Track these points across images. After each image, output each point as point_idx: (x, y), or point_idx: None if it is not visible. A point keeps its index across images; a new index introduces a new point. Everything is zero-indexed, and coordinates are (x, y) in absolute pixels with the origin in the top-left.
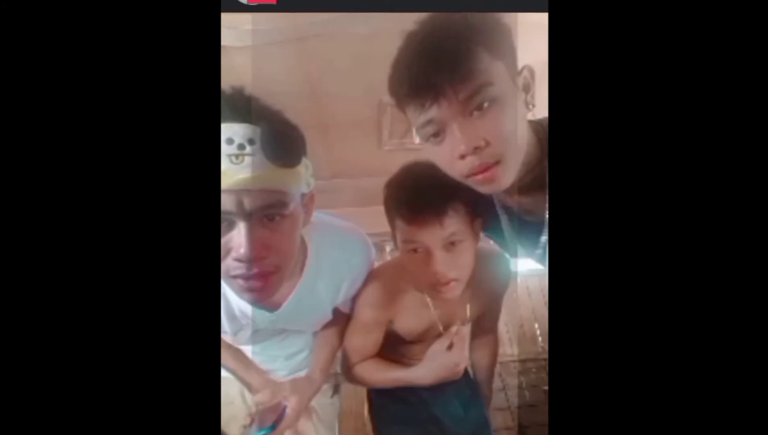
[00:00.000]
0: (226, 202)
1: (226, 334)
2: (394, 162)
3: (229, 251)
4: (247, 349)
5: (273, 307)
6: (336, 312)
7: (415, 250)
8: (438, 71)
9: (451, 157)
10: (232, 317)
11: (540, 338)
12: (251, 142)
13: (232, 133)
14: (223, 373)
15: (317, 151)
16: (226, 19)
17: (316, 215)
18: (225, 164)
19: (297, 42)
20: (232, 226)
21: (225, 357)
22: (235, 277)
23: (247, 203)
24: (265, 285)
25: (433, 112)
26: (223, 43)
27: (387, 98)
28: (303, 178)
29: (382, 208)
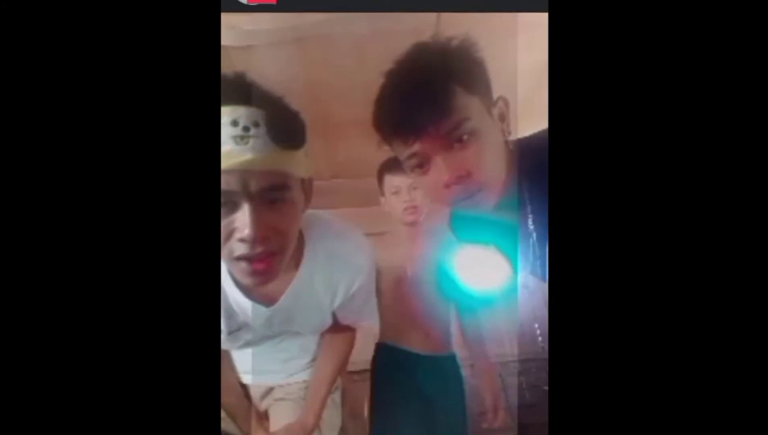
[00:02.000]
0: (231, 183)
1: (221, 333)
2: None
3: (232, 232)
4: (246, 352)
5: (269, 302)
6: (336, 324)
7: (395, 193)
8: (419, 111)
9: (436, 185)
10: (230, 314)
11: (540, 338)
12: (256, 124)
13: (237, 115)
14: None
15: (317, 151)
16: (226, 19)
17: (315, 213)
18: (230, 145)
19: (297, 42)
20: (236, 207)
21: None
22: (239, 258)
23: (252, 184)
24: (267, 267)
25: (416, 147)
26: (223, 43)
27: None
28: (303, 162)
29: (381, 209)
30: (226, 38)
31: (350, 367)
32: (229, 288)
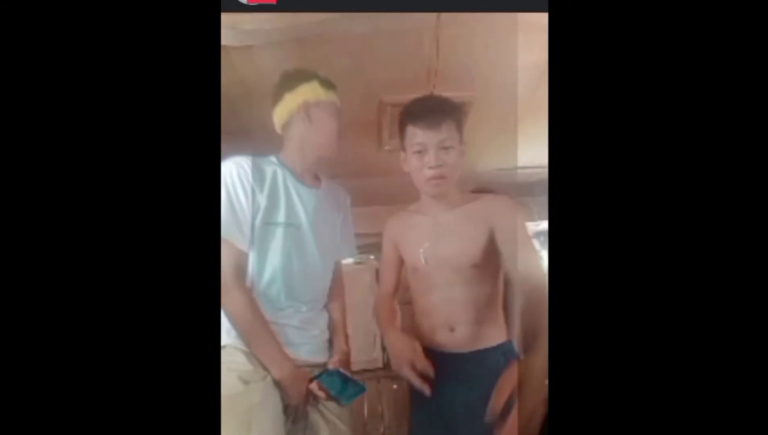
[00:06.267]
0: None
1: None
2: (394, 162)
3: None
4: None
5: (315, 186)
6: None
7: (418, 151)
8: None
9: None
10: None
11: None
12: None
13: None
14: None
15: None
16: (226, 19)
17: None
18: None
19: (297, 42)
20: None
21: (256, 340)
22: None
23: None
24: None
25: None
26: (223, 43)
27: (387, 98)
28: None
29: (382, 208)
30: (226, 38)
31: (353, 367)
32: (292, 183)
